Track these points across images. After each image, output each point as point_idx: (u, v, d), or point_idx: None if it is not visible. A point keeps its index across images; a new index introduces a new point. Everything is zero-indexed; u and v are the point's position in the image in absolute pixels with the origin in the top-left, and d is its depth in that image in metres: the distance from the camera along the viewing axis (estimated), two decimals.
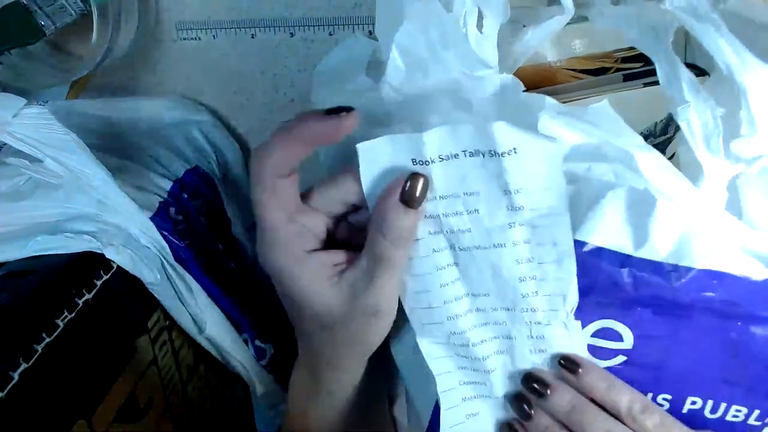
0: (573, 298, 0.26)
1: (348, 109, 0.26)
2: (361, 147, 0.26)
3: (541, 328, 0.27)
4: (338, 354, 0.30)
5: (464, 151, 0.25)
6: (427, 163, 0.26)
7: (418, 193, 0.25)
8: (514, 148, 0.24)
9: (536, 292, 0.27)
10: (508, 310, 0.27)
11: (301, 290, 0.28)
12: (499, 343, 0.28)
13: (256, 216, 0.27)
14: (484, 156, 0.25)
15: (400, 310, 0.30)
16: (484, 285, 0.27)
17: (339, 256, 0.28)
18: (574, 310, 0.27)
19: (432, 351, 0.29)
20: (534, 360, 0.28)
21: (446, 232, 0.27)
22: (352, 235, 0.30)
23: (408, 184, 0.25)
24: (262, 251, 0.28)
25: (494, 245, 0.26)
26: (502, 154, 0.24)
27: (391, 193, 0.26)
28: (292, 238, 0.27)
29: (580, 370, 0.27)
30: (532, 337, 0.28)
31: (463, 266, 0.27)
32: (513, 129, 0.24)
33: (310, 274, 0.28)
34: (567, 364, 0.28)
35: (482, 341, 0.28)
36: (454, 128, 0.25)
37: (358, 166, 0.26)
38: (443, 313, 0.28)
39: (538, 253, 0.26)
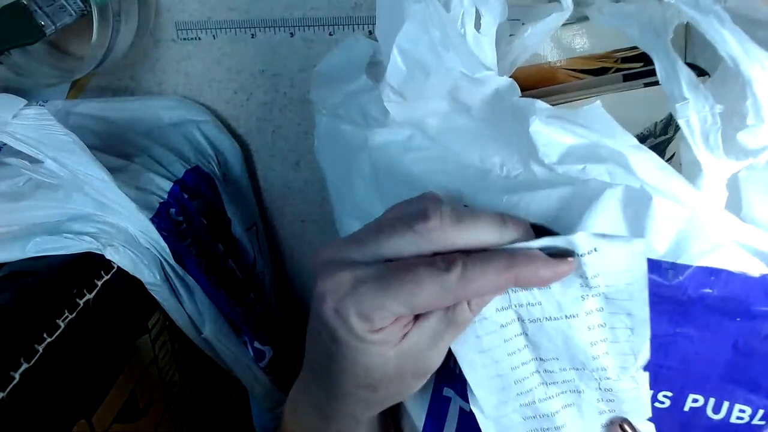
0: (645, 355, 0.26)
1: (571, 254, 0.24)
2: None
3: (610, 383, 0.27)
4: (368, 410, 0.29)
5: (541, 248, 0.25)
6: None
7: None
8: (595, 248, 0.24)
9: (607, 353, 0.26)
10: (577, 369, 0.27)
11: (370, 353, 0.26)
12: (566, 397, 0.28)
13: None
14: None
15: None
16: (553, 351, 0.27)
17: (409, 319, 0.27)
18: (644, 365, 0.27)
19: (497, 412, 0.29)
20: (602, 408, 0.28)
21: (515, 306, 0.26)
22: None
23: None
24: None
25: (565, 316, 0.26)
26: (581, 254, 0.24)
27: None
28: None
29: None
30: (600, 389, 0.27)
31: (532, 335, 0.27)
32: (595, 237, 0.24)
33: (386, 340, 0.26)
34: (626, 428, 0.28)
35: (549, 397, 0.28)
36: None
37: None
38: (511, 377, 0.27)
39: (611, 320, 0.26)
